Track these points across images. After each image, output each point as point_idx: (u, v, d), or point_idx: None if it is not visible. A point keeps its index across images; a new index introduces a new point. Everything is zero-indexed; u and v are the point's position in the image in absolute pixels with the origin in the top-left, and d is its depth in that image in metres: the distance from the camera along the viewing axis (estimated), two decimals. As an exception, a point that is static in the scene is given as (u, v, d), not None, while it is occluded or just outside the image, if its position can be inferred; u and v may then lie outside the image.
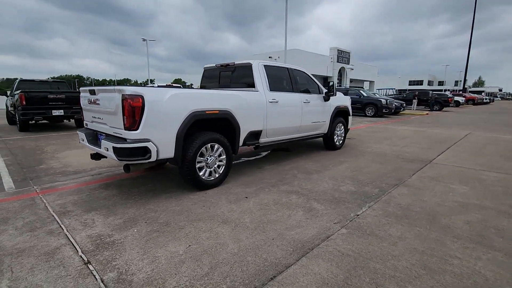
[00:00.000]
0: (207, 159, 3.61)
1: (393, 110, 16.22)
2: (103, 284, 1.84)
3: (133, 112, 2.89)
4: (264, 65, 4.54)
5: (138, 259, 2.12)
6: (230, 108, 3.77)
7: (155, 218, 2.83)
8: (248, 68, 4.43)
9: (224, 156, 3.80)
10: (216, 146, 3.68)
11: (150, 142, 3.03)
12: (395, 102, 17.42)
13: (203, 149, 3.53)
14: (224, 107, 3.70)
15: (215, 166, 3.73)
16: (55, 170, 4.59)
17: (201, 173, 3.56)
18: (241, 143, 4.09)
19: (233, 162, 5.13)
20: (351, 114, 6.64)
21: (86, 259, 2.11)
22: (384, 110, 15.53)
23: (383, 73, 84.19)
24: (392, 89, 52.82)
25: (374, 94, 19.21)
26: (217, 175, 3.76)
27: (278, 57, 30.57)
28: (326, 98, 5.64)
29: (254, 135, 4.30)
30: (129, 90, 2.89)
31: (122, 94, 2.88)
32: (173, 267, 2.02)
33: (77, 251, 2.23)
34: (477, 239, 2.45)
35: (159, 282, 1.86)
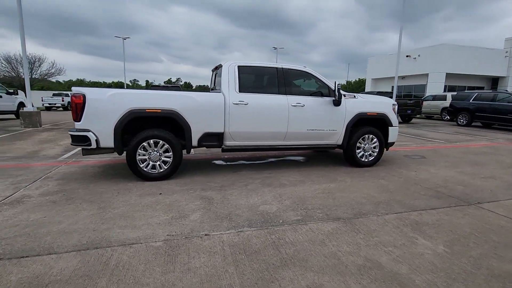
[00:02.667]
0: (150, 153, 3.96)
1: None
2: (-36, 223, 2.63)
3: (76, 107, 3.66)
4: (239, 66, 4.34)
5: (7, 216, 2.81)
6: (176, 108, 3.94)
7: (75, 193, 3.48)
8: (221, 69, 4.39)
9: (170, 153, 4.02)
10: (160, 142, 3.96)
11: (90, 132, 3.71)
12: None
13: (145, 144, 3.90)
14: (169, 107, 3.91)
15: (160, 161, 4.01)
16: (104, 150, 6.19)
17: (142, 165, 3.95)
18: (195, 143, 4.15)
19: (230, 163, 5.20)
20: (393, 124, 5.08)
21: (-10, 207, 3.00)
22: (558, 126, 10.29)
23: None
24: None
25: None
26: (161, 170, 4.03)
27: (418, 55, 25.64)
28: (337, 102, 4.63)
29: (214, 137, 4.23)
30: (74, 89, 3.68)
31: (71, 93, 3.70)
32: (2, 227, 2.56)
33: None
34: (270, 309, 1.63)
35: (-21, 232, 2.46)
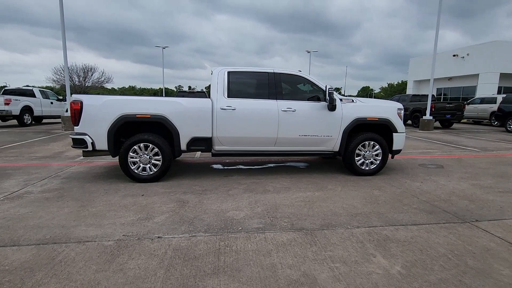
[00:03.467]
0: (141, 156, 4.16)
1: None
2: (-34, 214, 3.02)
3: (74, 112, 4.00)
4: (229, 72, 4.38)
5: (1, 209, 3.16)
6: (165, 113, 4.10)
7: (68, 191, 3.79)
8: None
9: (160, 156, 4.19)
10: (150, 146, 4.15)
11: (87, 136, 4.03)
12: None
13: (136, 147, 4.12)
14: (158, 112, 4.08)
15: (150, 163, 4.20)
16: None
17: (133, 167, 4.17)
18: (184, 147, 4.27)
19: (228, 168, 5.27)
20: (398, 130, 4.69)
21: (-6, 201, 3.41)
22: None
23: None
24: None
25: None
26: (151, 172, 4.21)
27: (467, 54, 23.29)
28: (331, 107, 4.43)
29: (203, 141, 4.31)
30: (74, 96, 4.03)
31: (71, 100, 4.06)
32: (-7, 219, 2.89)
33: None
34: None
35: (-29, 222, 2.80)
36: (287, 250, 2.37)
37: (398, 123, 4.69)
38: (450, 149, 7.71)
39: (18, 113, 12.13)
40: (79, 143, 4.08)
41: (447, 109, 13.49)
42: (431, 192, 3.92)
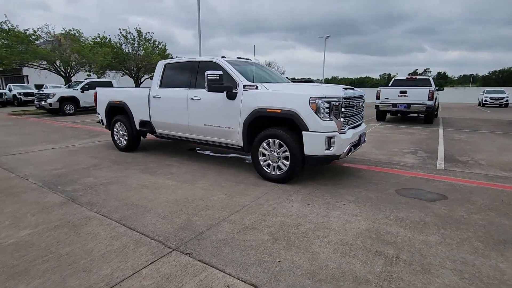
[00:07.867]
0: (119, 131, 5.69)
1: None
2: None
3: (94, 99, 6.10)
4: (166, 63, 4.89)
5: (37, 152, 5.74)
6: (125, 100, 5.36)
7: (87, 149, 5.99)
8: (160, 67, 5.14)
9: (126, 133, 5.54)
10: (122, 124, 5.58)
11: (99, 115, 6.07)
12: None
13: (117, 125, 5.70)
14: (121, 99, 5.42)
15: (123, 138, 5.65)
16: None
17: (116, 139, 5.78)
18: (137, 127, 5.35)
19: (199, 152, 5.91)
20: (310, 128, 3.28)
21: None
22: None
23: None
24: None
25: None
26: (123, 145, 5.66)
27: None
28: (230, 95, 3.86)
29: (148, 124, 5.18)
30: (96, 89, 6.11)
31: (94, 91, 6.18)
32: (15, 157, 5.43)
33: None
34: None
35: None
36: (22, 203, 3.06)
37: (310, 118, 3.28)
38: None
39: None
40: (98, 119, 6.21)
41: None
42: (274, 216, 2.74)
